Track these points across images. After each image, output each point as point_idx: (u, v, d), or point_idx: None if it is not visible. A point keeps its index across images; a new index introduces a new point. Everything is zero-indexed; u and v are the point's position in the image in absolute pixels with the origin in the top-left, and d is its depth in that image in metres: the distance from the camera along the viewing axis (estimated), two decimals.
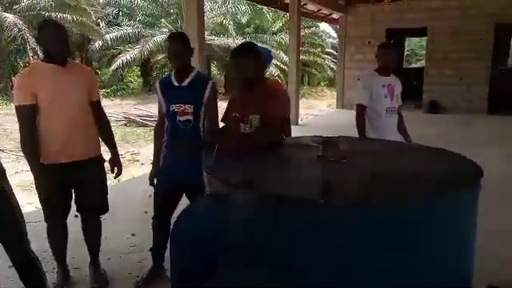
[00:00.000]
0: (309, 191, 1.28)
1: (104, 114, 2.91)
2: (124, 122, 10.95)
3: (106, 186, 2.92)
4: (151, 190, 2.95)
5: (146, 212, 4.29)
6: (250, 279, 1.27)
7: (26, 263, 2.01)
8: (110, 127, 2.97)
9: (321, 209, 1.17)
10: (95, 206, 2.85)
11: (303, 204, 1.18)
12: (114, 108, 13.18)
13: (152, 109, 10.65)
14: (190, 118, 2.67)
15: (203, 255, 1.43)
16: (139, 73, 21.31)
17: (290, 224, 1.21)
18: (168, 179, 2.83)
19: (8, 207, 1.92)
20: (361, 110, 3.53)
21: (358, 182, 1.48)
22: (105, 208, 2.93)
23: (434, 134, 7.45)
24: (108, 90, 17.73)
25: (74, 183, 2.70)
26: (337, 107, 13.54)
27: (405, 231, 1.19)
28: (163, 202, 2.89)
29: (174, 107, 2.72)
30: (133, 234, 3.75)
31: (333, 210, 1.18)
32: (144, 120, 10.59)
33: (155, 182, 2.91)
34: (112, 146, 2.96)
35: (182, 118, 2.71)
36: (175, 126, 2.73)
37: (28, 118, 2.39)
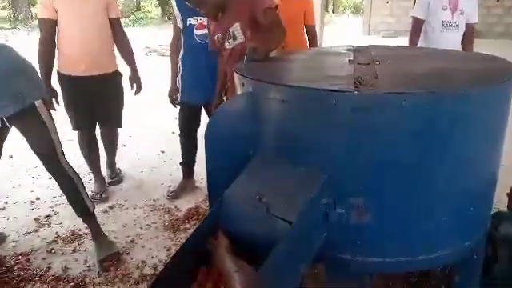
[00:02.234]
0: (343, 85, 1.27)
1: (124, 34, 2.97)
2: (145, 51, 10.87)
3: (123, 101, 3.05)
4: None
5: (173, 133, 4.43)
6: (284, 175, 1.32)
7: (61, 174, 2.14)
8: (129, 46, 3.01)
9: (358, 98, 1.17)
10: (111, 117, 3.03)
11: (337, 94, 1.19)
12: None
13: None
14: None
15: (237, 152, 1.48)
16: (157, 2, 20.72)
17: (325, 118, 1.23)
18: (188, 102, 2.87)
19: (39, 120, 2.03)
20: (415, 24, 3.26)
21: (393, 78, 1.47)
22: (118, 122, 3.10)
23: None
24: (127, 20, 17.42)
25: (93, 95, 2.84)
26: (363, 34, 12.99)
27: (436, 122, 1.19)
28: (187, 120, 2.96)
29: (190, 20, 2.67)
30: (162, 151, 3.91)
31: (368, 97, 1.18)
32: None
33: (177, 99, 2.95)
34: (131, 64, 3.03)
35: (199, 32, 2.67)
36: (192, 41, 2.70)
37: (47, 29, 2.66)
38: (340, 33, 13.54)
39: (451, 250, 1.38)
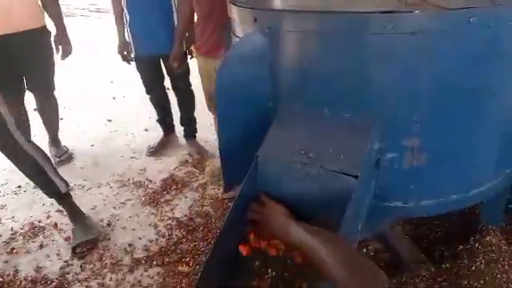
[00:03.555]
0: (392, 6, 1.07)
1: None
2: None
3: (53, 63, 2.56)
4: None
5: (114, 98, 3.99)
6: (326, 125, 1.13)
7: (20, 155, 1.78)
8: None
9: (419, 18, 0.99)
10: (41, 80, 2.56)
11: (395, 16, 0.99)
12: None
13: None
14: None
15: (254, 105, 1.25)
16: None
17: (377, 48, 1.03)
18: (143, 55, 2.53)
19: None
20: None
21: None
22: (49, 85, 2.63)
23: None
24: None
25: (15, 57, 2.33)
26: None
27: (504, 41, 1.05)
28: (148, 76, 2.63)
29: None
30: (109, 120, 3.47)
31: (433, 16, 1.00)
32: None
33: (129, 55, 2.57)
34: (57, 19, 2.51)
35: None
36: None
37: None
38: None
39: (498, 180, 1.31)
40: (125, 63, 2.62)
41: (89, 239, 1.97)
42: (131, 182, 2.53)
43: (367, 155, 1.06)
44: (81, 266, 1.86)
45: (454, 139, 1.15)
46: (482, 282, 1.42)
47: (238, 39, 1.33)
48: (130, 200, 2.35)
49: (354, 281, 0.75)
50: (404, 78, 1.07)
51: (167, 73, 2.62)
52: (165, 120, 2.87)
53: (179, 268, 1.80)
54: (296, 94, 1.20)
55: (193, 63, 2.51)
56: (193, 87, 2.71)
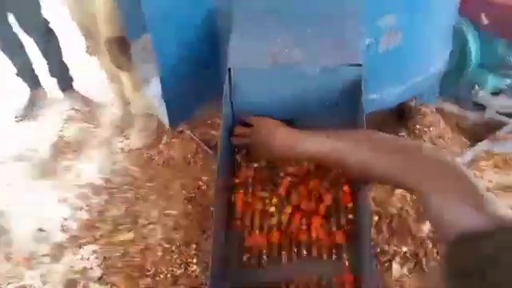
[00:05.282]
0: None
1: None
2: None
3: None
4: None
5: None
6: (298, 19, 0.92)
7: None
8: None
9: None
10: None
11: None
12: None
13: None
14: None
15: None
16: None
17: None
18: None
19: None
20: None
21: None
22: None
23: None
24: None
25: None
26: None
27: None
28: None
29: None
30: None
31: None
32: None
33: None
34: None
35: None
36: None
37: None
38: None
39: (444, 61, 1.32)
40: None
41: None
42: (9, 156, 1.97)
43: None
44: None
45: (421, 23, 1.07)
46: None
47: None
48: (16, 179, 1.83)
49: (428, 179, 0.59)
50: None
51: None
52: (24, 71, 2.25)
53: (118, 238, 1.49)
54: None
55: None
56: None
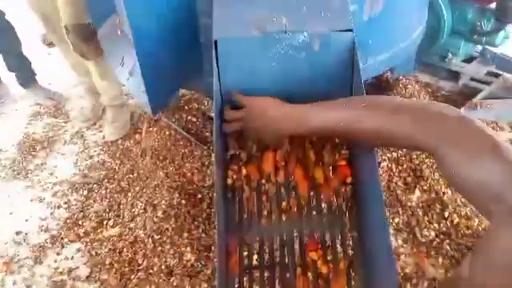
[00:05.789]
0: None
1: None
2: None
3: None
4: None
5: None
6: None
7: None
8: None
9: None
10: None
11: None
12: None
13: None
14: None
15: None
16: None
17: None
18: None
19: None
20: None
21: None
22: None
23: None
24: None
25: None
26: None
27: None
28: None
29: None
30: None
31: None
32: None
33: None
34: None
35: None
36: None
37: None
38: None
39: (423, 26, 1.32)
40: None
41: None
42: None
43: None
44: None
45: None
46: None
47: None
48: None
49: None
50: None
51: None
52: None
53: (104, 234, 1.43)
54: None
55: None
56: None
